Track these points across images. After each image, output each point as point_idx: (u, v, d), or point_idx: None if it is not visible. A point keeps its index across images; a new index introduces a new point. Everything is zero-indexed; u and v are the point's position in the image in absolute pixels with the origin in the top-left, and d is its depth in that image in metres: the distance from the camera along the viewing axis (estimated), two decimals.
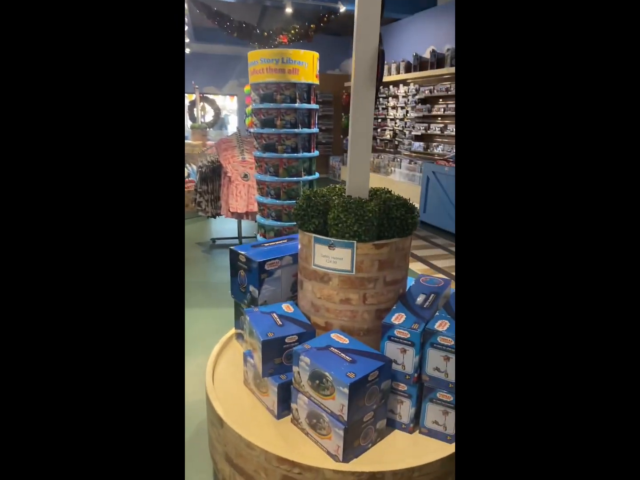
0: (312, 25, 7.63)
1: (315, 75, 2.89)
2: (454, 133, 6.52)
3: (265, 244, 1.89)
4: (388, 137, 8.30)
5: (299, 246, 1.63)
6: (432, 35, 7.25)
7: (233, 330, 1.99)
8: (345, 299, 1.50)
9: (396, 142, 8.15)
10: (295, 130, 2.89)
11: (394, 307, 1.46)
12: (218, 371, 1.73)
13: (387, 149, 8.45)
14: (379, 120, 8.58)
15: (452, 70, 6.40)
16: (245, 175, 4.00)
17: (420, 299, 1.52)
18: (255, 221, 4.49)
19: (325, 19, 7.51)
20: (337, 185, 1.74)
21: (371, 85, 1.47)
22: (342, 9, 7.24)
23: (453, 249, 5.06)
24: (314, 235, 1.50)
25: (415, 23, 7.74)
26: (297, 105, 2.84)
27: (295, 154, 2.94)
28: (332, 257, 1.47)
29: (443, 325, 1.34)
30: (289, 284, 1.79)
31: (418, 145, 7.44)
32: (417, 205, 6.08)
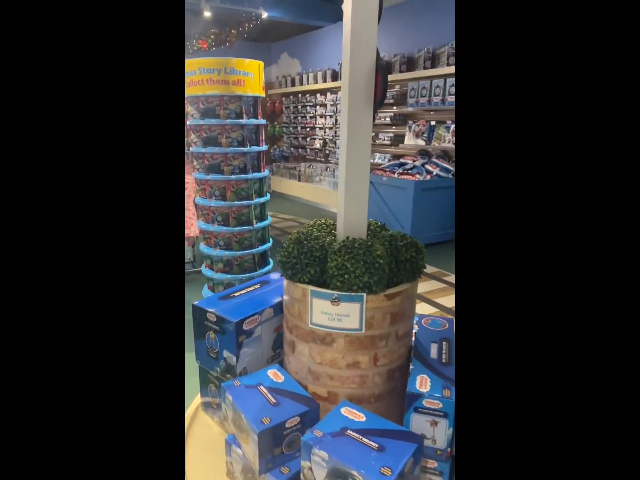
0: (232, 31, 7.25)
1: (262, 87, 2.60)
2: (385, 141, 6.56)
3: (235, 293, 1.56)
4: (318, 146, 8.18)
5: (286, 298, 1.34)
6: None
7: (198, 399, 1.63)
8: (353, 363, 1.24)
9: (327, 151, 8.05)
10: (244, 148, 2.57)
11: (412, 367, 1.23)
12: (190, 459, 1.37)
13: (317, 158, 8.32)
14: (308, 129, 8.43)
15: None
16: None
17: (434, 351, 1.32)
18: (192, 246, 4.05)
19: (247, 24, 7.18)
20: (323, 220, 1.49)
21: (368, 107, 1.24)
22: (264, 15, 6.98)
23: None
24: (311, 288, 1.22)
25: (338, 32, 7.71)
26: (244, 121, 2.52)
27: (245, 175, 2.62)
28: (336, 314, 1.21)
29: None
30: (270, 341, 1.49)
31: None
32: None
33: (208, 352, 1.46)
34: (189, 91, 2.52)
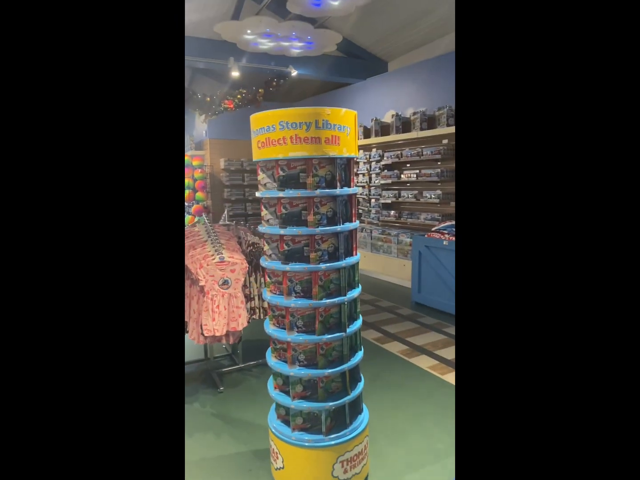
0: (260, 90, 6.93)
1: (357, 144, 1.95)
2: (432, 199, 5.94)
3: None
4: None
5: None
6: (390, 99, 6.89)
7: None
8: None
9: (359, 211, 7.45)
10: (336, 227, 1.87)
11: None
12: None
13: None
14: None
15: (423, 134, 5.95)
16: (225, 282, 2.83)
17: None
18: (238, 342, 3.26)
19: (275, 83, 6.86)
20: None
21: None
22: (294, 72, 6.66)
23: None
24: None
25: (368, 88, 7.39)
26: (338, 191, 1.84)
27: (337, 262, 1.89)
28: None
29: None
30: None
31: (386, 214, 6.78)
32: (408, 284, 5.06)
33: None
34: (260, 154, 1.86)
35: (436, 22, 5.90)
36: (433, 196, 5.93)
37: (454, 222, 5.15)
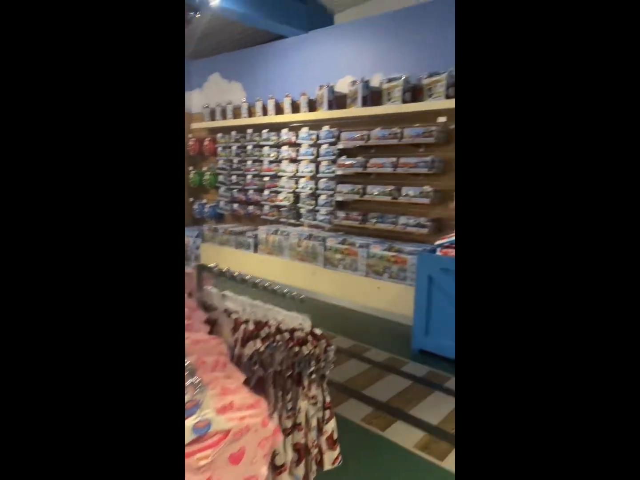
0: None
1: None
2: (416, 199, 4.40)
3: None
4: (285, 202, 5.66)
5: None
6: (345, 59, 5.14)
7: None
8: None
9: (300, 210, 5.58)
10: None
11: None
12: None
13: (281, 219, 5.78)
14: (266, 179, 5.87)
15: (401, 108, 4.35)
16: None
17: None
18: None
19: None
20: None
21: None
22: (214, 1, 4.44)
23: None
24: None
25: (311, 44, 5.52)
26: None
27: None
28: None
29: None
30: None
31: (343, 215, 5.07)
32: (390, 316, 3.74)
33: None
34: None
35: None
36: (419, 194, 4.39)
37: None
